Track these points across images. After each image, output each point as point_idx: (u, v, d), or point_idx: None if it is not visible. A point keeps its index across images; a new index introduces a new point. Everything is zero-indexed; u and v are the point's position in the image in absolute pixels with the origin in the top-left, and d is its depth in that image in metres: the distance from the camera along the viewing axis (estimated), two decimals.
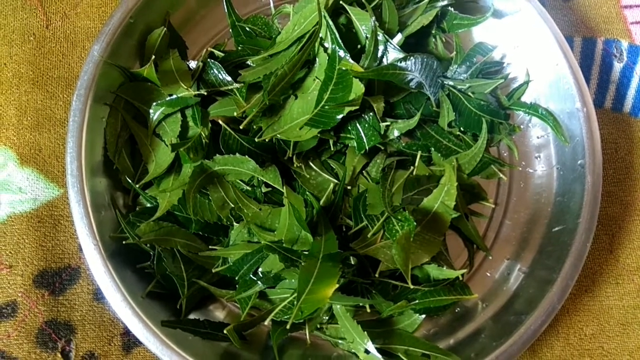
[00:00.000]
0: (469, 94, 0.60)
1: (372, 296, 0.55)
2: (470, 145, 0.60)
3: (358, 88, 0.53)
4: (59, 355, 0.58)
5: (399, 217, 0.54)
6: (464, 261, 0.61)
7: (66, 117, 0.63)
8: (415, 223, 0.53)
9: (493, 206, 0.62)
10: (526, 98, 0.62)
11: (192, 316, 0.56)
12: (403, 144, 0.60)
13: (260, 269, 0.55)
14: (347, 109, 0.53)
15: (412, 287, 0.52)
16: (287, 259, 0.52)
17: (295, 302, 0.49)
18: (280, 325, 0.52)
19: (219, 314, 0.57)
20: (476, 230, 0.60)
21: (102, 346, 0.58)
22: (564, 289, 0.53)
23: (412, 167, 0.58)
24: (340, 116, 0.54)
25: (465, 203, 0.61)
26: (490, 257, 0.61)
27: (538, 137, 0.62)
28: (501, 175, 0.62)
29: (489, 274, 0.60)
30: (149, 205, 0.57)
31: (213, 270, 0.55)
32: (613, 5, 0.69)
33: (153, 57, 0.57)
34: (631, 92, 0.67)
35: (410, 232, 0.53)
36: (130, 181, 0.57)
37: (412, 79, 0.57)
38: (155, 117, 0.58)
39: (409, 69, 0.56)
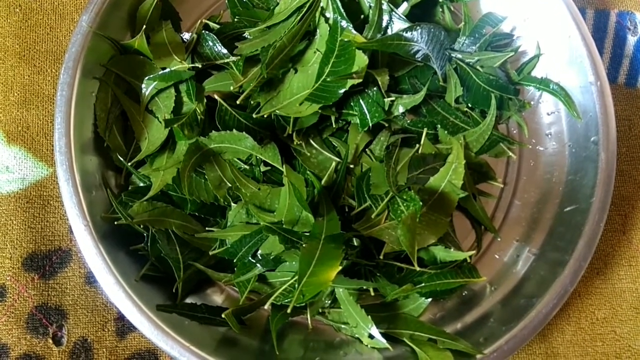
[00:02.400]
0: (478, 67, 0.58)
1: (376, 279, 0.53)
2: (479, 122, 0.57)
3: (361, 60, 0.51)
4: (50, 341, 0.56)
5: (404, 197, 0.52)
6: (471, 243, 0.59)
7: (54, 93, 0.60)
8: (421, 203, 0.51)
9: (502, 186, 0.60)
10: (537, 73, 0.59)
11: (188, 300, 0.54)
12: (408, 121, 0.58)
13: (259, 251, 0.53)
14: (350, 82, 0.51)
15: (418, 269, 0.50)
16: (287, 240, 0.50)
17: (296, 286, 0.47)
18: (281, 310, 0.50)
19: (217, 298, 0.55)
20: (484, 210, 0.58)
21: (95, 331, 0.56)
22: (576, 271, 0.51)
23: (417, 145, 0.56)
24: (342, 90, 0.51)
25: (473, 182, 0.58)
26: (499, 239, 0.58)
27: (549, 114, 0.59)
28: (510, 153, 0.59)
29: (497, 256, 0.58)
30: (142, 184, 0.55)
31: (210, 253, 0.53)
32: None
33: (144, 27, 0.54)
34: None
35: (416, 212, 0.51)
36: (122, 159, 0.54)
37: (418, 51, 0.54)
38: (147, 92, 0.56)
39: (415, 39, 0.53)
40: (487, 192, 0.60)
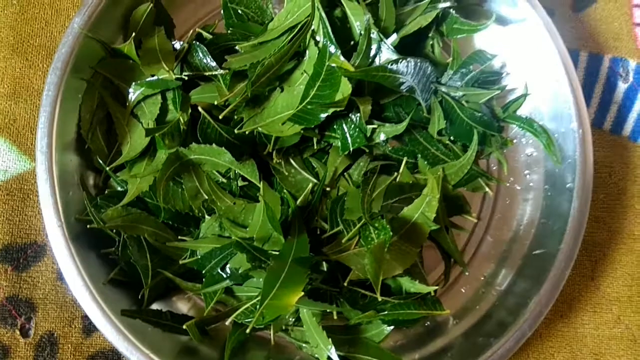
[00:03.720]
0: (463, 102, 0.58)
1: (341, 303, 0.54)
2: (459, 156, 0.58)
3: (346, 88, 0.51)
4: (18, 332, 0.57)
5: (376, 225, 0.53)
6: (439, 274, 0.59)
7: (44, 88, 0.60)
8: (391, 233, 0.51)
9: (476, 220, 0.60)
10: (522, 112, 0.59)
11: (154, 307, 0.54)
12: (389, 148, 0.58)
13: (228, 265, 0.53)
14: (332, 110, 0.51)
15: (380, 299, 0.51)
16: (255, 258, 0.51)
17: (257, 306, 0.47)
18: (241, 327, 0.51)
19: (183, 307, 0.56)
20: (455, 244, 0.58)
21: (63, 327, 0.57)
22: (536, 316, 0.51)
23: (395, 173, 0.56)
24: (324, 115, 0.51)
25: (447, 215, 0.59)
26: (467, 274, 0.59)
27: (529, 154, 0.60)
28: (487, 189, 0.60)
29: (463, 290, 0.58)
30: (119, 189, 0.55)
31: (180, 262, 0.54)
32: (625, 22, 0.66)
33: (134, 33, 0.54)
34: (633, 115, 0.64)
35: (385, 242, 0.51)
36: (101, 162, 0.55)
37: (403, 83, 0.54)
38: (134, 97, 0.56)
39: (401, 72, 0.53)
40: (460, 225, 0.60)
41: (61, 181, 0.52)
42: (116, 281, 0.53)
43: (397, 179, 0.56)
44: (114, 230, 0.53)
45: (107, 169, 0.54)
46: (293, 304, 0.47)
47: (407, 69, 0.53)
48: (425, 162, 0.58)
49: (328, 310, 0.52)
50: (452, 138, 0.58)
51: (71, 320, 0.57)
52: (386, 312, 0.53)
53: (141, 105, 0.56)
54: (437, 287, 0.53)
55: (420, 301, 0.54)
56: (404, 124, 0.55)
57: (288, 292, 0.47)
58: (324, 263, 0.53)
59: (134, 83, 0.56)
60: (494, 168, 0.61)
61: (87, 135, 0.55)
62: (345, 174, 0.57)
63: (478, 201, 0.61)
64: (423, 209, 0.54)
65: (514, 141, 0.60)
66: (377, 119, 0.56)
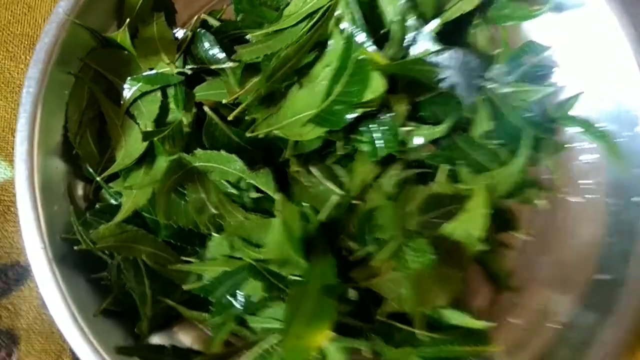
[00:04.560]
0: (511, 101, 0.50)
1: (372, 338, 0.46)
2: (506, 162, 0.50)
3: (378, 85, 0.44)
4: None
5: (414, 246, 0.45)
6: (483, 301, 0.52)
7: None
8: (433, 256, 0.44)
9: (525, 238, 0.53)
10: (578, 112, 0.51)
11: (154, 340, 0.48)
12: (425, 154, 0.51)
13: (240, 291, 0.46)
14: (361, 110, 0.44)
15: (423, 335, 0.43)
16: (271, 286, 0.44)
17: (274, 347, 0.40)
18: None
19: (186, 338, 0.49)
20: (503, 265, 0.52)
21: None
22: (606, 356, 0.43)
23: (432, 183, 0.49)
24: (351, 116, 0.45)
25: (494, 231, 0.51)
26: (516, 300, 0.52)
27: (586, 162, 0.52)
28: (539, 201, 0.52)
29: (514, 321, 0.51)
30: (113, 202, 0.48)
31: (184, 288, 0.47)
32: None
33: (129, 20, 0.48)
34: None
35: (427, 268, 0.44)
36: (91, 171, 0.48)
37: (444, 78, 0.47)
38: (130, 94, 0.49)
39: (443, 65, 0.46)
40: (508, 243, 0.53)
41: (45, 193, 0.46)
42: (109, 312, 0.46)
43: (435, 190, 0.49)
44: (107, 252, 0.47)
45: (99, 178, 0.47)
46: (320, 343, 0.40)
47: (450, 62, 0.46)
48: (467, 170, 0.50)
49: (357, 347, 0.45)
50: (497, 142, 0.50)
51: (59, 354, 0.50)
52: (425, 349, 0.45)
53: (138, 103, 0.50)
54: (493, 325, 0.45)
55: (466, 334, 0.46)
56: (445, 125, 0.48)
57: (313, 329, 0.40)
58: (351, 291, 0.46)
59: (129, 78, 0.49)
60: (545, 177, 0.53)
61: (75, 139, 0.49)
62: (374, 183, 0.49)
63: (527, 215, 0.53)
64: (469, 225, 0.47)
65: (569, 146, 0.52)
66: (411, 119, 0.49)
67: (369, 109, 0.44)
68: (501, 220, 0.52)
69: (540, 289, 0.51)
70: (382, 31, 0.47)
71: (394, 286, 0.46)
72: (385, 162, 0.49)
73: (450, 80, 0.47)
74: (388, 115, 0.47)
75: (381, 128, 0.47)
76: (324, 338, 0.40)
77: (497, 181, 0.50)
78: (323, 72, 0.47)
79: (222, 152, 0.46)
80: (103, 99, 0.49)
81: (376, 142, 0.47)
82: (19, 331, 0.50)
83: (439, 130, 0.48)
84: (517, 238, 0.52)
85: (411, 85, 0.48)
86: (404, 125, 0.48)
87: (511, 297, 0.52)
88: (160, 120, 0.49)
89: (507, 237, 0.52)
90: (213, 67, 0.49)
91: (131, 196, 0.46)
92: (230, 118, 0.46)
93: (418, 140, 0.48)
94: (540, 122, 0.50)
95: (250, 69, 0.48)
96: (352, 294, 0.45)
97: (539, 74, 0.51)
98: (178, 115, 0.48)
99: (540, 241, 0.53)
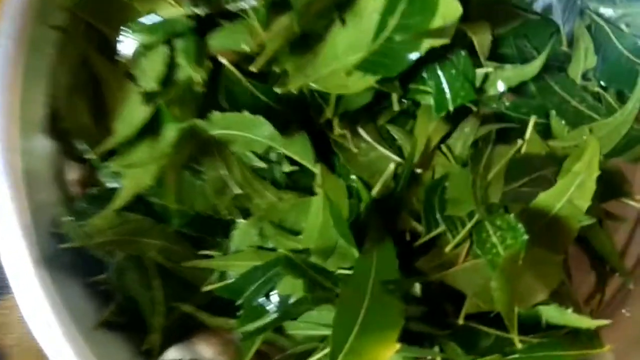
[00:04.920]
0: (622, 26, 0.40)
1: (446, 345, 0.38)
2: (613, 110, 0.41)
3: (450, 8, 0.34)
4: None
5: (499, 224, 0.37)
6: (587, 290, 0.44)
7: None
8: (526, 236, 0.35)
9: None
10: None
11: (169, 354, 0.40)
12: (507, 104, 0.42)
13: (275, 291, 0.39)
14: (429, 44, 0.35)
15: (518, 341, 0.34)
16: (314, 283, 0.36)
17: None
18: None
19: (207, 351, 0.42)
20: (612, 243, 0.42)
21: None
22: None
23: (519, 142, 0.41)
24: (414, 56, 0.36)
25: (599, 200, 0.42)
26: (632, 287, 0.43)
27: None
28: None
29: (627, 313, 0.43)
30: (111, 184, 0.41)
31: (203, 289, 0.40)
32: None
33: None
34: None
35: (519, 252, 0.35)
36: (84, 147, 0.40)
37: None
38: (128, 49, 0.41)
39: None
40: (617, 214, 0.43)
41: (28, 179, 0.38)
42: (111, 323, 0.39)
43: (522, 150, 0.41)
44: (105, 249, 0.39)
45: (92, 155, 0.40)
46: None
47: None
48: (563, 122, 0.42)
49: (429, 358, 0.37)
50: (603, 83, 0.41)
51: None
52: (518, 356, 0.37)
53: (139, 61, 0.42)
54: (605, 322, 0.35)
55: (571, 337, 0.38)
56: (539, 62, 0.39)
57: (374, 341, 0.32)
58: (417, 286, 0.37)
59: (126, 27, 0.41)
60: None
61: (64, 110, 0.41)
62: (442, 146, 0.42)
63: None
64: (572, 194, 0.38)
65: None
66: (489, 58, 0.40)
67: (439, 42, 0.34)
68: (609, 184, 0.42)
69: None
70: None
71: (475, 278, 0.38)
72: (456, 117, 0.41)
73: (545, 0, 0.37)
74: (460, 53, 0.37)
75: (452, 71, 0.38)
76: (389, 351, 0.32)
77: (602, 134, 0.42)
78: (372, 1, 0.38)
79: (246, 113, 0.39)
80: (96, 57, 0.42)
81: (445, 90, 0.39)
82: (6, 348, 0.45)
83: (530, 69, 0.38)
84: (630, 207, 0.43)
85: (490, 11, 0.39)
86: (479, 65, 0.39)
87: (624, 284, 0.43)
88: (167, 79, 0.41)
89: (617, 206, 0.43)
90: (230, 7, 0.41)
91: (133, 176, 0.39)
92: (255, 70, 0.38)
93: (501, 86, 0.39)
94: None
95: (278, 6, 0.40)
96: (417, 289, 0.37)
97: None
98: (188, 72, 0.40)
99: None
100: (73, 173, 0.41)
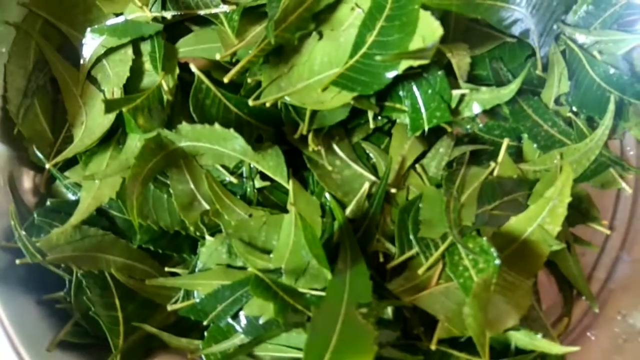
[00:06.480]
0: (595, 54, 0.40)
1: None
2: (583, 136, 0.41)
3: (431, 28, 0.34)
4: None
5: (472, 247, 0.36)
6: (554, 313, 0.43)
7: None
8: (499, 260, 0.35)
9: (608, 232, 0.43)
10: None
11: None
12: (480, 125, 0.42)
13: (242, 311, 0.37)
14: (406, 64, 0.34)
15: None
16: (285, 305, 0.35)
17: None
18: None
19: None
20: (579, 267, 0.42)
21: None
22: None
23: (491, 164, 0.40)
24: (392, 74, 0.35)
25: (568, 225, 0.42)
26: (597, 311, 0.43)
27: None
28: (623, 184, 0.43)
29: (593, 337, 0.42)
30: (70, 197, 0.39)
31: (169, 308, 0.38)
32: None
33: None
34: None
35: (491, 277, 0.35)
36: (41, 156, 0.38)
37: (516, 21, 0.36)
38: (91, 51, 0.40)
39: (517, 2, 0.34)
40: (584, 239, 0.43)
41: None
42: (68, 344, 0.37)
43: (495, 172, 0.40)
44: (62, 265, 0.37)
45: (49, 165, 0.37)
46: None
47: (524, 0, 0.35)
48: (534, 145, 0.41)
49: None
50: (574, 108, 0.41)
51: None
52: None
53: (102, 64, 0.40)
54: (575, 349, 0.35)
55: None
56: (514, 85, 0.38)
57: None
58: (390, 309, 0.36)
59: (89, 29, 0.39)
60: (631, 153, 0.45)
61: (18, 113, 0.39)
62: (417, 166, 0.40)
63: (610, 203, 0.44)
64: (543, 219, 0.38)
65: None
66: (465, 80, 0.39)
67: (417, 63, 0.33)
68: (576, 210, 0.43)
69: (621, 295, 0.44)
70: None
71: (446, 302, 0.37)
72: (429, 137, 0.41)
73: (523, 25, 0.36)
74: (437, 73, 0.36)
75: (428, 91, 0.37)
76: None
77: (572, 159, 0.41)
78: (351, 15, 0.37)
79: (217, 126, 0.37)
80: (55, 58, 0.40)
81: (421, 110, 0.37)
82: None
83: (506, 92, 0.38)
84: (597, 232, 0.43)
85: (467, 31, 0.39)
86: (455, 87, 0.38)
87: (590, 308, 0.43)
88: (132, 85, 0.40)
89: (583, 230, 0.43)
90: (202, 12, 0.40)
91: (94, 188, 0.37)
92: (226, 81, 0.37)
93: (476, 108, 0.39)
94: (628, 83, 0.41)
95: (252, 14, 0.40)
96: (388, 313, 0.36)
97: (630, 19, 0.42)
98: (156, 78, 0.39)
99: (622, 236, 0.44)
100: (28, 181, 0.38)
